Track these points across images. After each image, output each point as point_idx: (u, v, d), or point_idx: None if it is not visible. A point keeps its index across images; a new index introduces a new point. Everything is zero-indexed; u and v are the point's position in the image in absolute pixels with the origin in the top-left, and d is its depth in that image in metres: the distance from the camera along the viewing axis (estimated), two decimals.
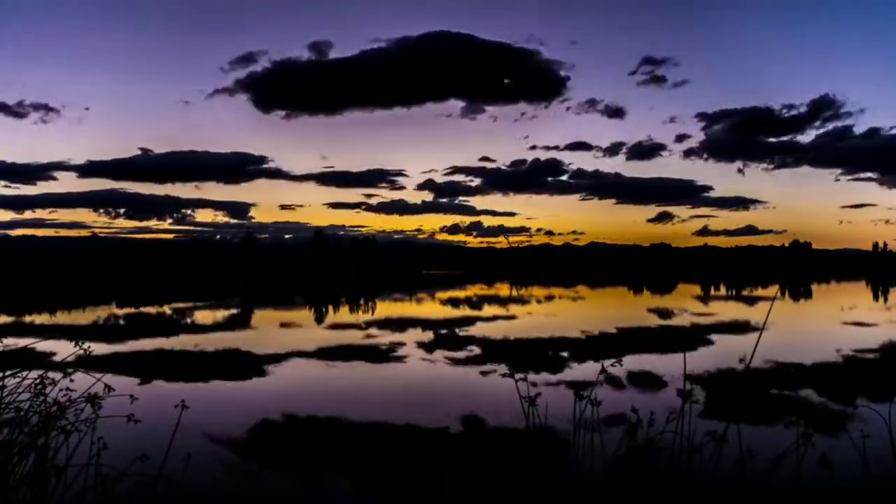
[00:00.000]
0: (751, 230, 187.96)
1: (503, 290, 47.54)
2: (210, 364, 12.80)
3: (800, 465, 5.88)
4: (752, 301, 34.69)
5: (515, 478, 5.69)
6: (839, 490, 5.33)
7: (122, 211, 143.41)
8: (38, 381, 5.59)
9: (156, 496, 5.06)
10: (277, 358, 13.06)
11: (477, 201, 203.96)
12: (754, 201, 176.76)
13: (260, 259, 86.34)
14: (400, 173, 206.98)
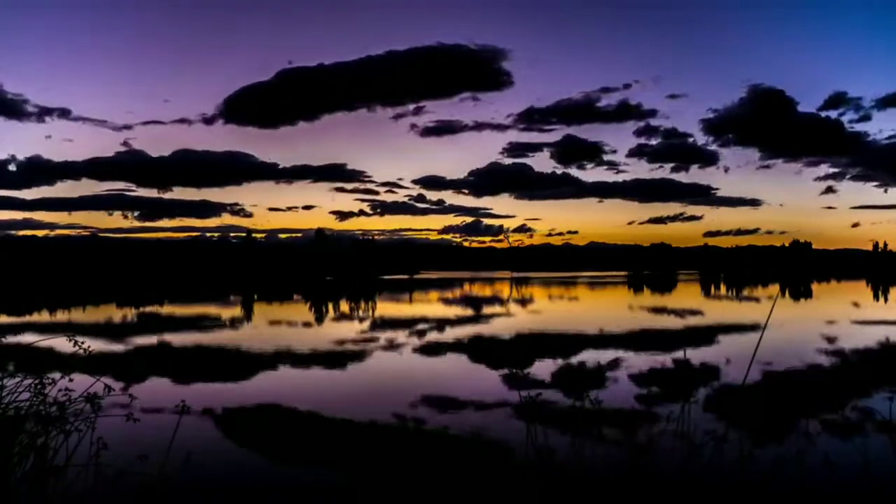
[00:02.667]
0: (751, 230, 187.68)
1: (503, 289, 47.54)
2: (210, 363, 12.80)
3: (801, 464, 5.86)
4: (752, 301, 34.70)
5: (516, 476, 5.68)
6: (840, 489, 5.32)
7: (121, 211, 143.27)
8: (38, 381, 5.59)
9: (156, 496, 5.05)
10: (278, 357, 13.06)
11: (477, 201, 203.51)
12: (755, 201, 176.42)
13: (260, 259, 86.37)
14: (396, 174, 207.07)
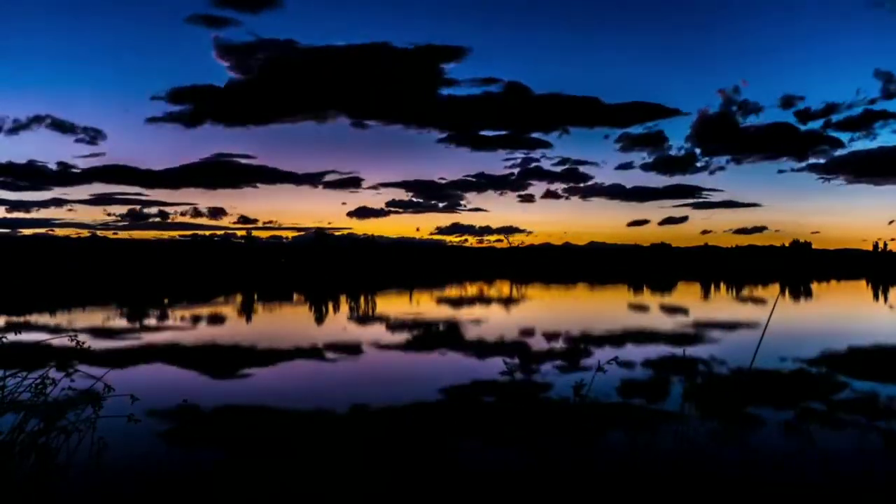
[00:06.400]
0: (751, 230, 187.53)
1: (504, 289, 47.54)
2: (211, 363, 12.80)
3: (802, 463, 5.87)
4: (752, 300, 34.70)
5: (517, 475, 5.69)
6: (842, 488, 5.33)
7: (122, 211, 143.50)
8: (38, 381, 5.60)
9: (156, 495, 5.05)
10: (279, 356, 13.07)
11: (477, 201, 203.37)
12: (754, 202, 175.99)
13: (260, 258, 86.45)
14: (395, 174, 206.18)
